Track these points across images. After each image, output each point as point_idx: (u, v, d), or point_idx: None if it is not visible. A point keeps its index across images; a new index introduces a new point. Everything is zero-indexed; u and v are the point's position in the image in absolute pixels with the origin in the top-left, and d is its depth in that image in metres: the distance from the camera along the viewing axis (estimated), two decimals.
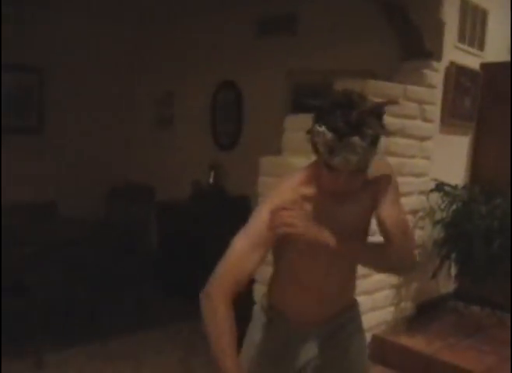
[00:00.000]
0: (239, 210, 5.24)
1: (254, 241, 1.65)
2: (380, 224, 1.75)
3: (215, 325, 1.59)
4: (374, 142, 1.56)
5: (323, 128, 1.55)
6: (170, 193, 5.65)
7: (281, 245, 1.74)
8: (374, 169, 1.70)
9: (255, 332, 1.95)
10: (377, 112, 1.57)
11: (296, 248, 1.74)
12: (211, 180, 5.57)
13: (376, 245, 1.79)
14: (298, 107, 4.82)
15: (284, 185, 1.76)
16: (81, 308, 4.46)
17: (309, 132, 1.64)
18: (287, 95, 5.07)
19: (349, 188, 1.65)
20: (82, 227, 5.13)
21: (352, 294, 1.99)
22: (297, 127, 3.12)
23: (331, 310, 1.90)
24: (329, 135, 1.53)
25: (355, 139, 1.51)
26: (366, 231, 1.85)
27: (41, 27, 5.60)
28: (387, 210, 1.73)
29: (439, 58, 3.72)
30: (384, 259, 1.76)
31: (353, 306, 2.00)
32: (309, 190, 1.71)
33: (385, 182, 1.75)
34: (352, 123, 1.51)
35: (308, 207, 1.70)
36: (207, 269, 4.93)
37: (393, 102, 1.65)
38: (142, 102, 6.47)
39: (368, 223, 1.84)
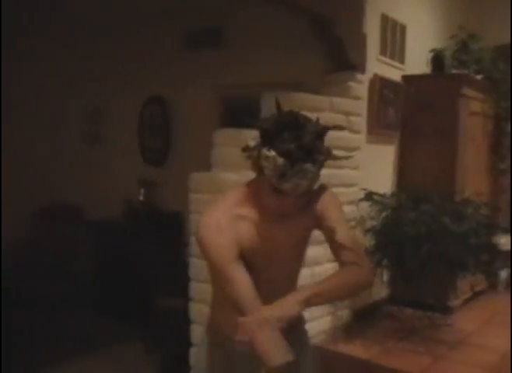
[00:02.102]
0: (171, 227, 5.24)
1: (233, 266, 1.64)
2: (336, 243, 1.73)
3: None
4: (322, 167, 1.58)
5: (273, 153, 1.50)
6: (100, 212, 5.55)
7: None
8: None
9: (204, 356, 1.93)
10: (322, 135, 1.57)
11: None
12: (141, 198, 5.50)
13: (336, 277, 1.73)
14: (226, 121, 4.86)
15: (219, 204, 1.71)
16: (16, 337, 4.28)
17: (245, 150, 1.61)
18: (215, 109, 5.10)
19: (294, 210, 1.66)
20: (8, 251, 4.96)
21: None
22: (227, 141, 3.14)
23: None
24: (280, 161, 1.49)
25: (308, 165, 1.50)
26: (302, 251, 1.86)
27: None
28: (341, 229, 1.74)
29: (363, 71, 3.84)
30: (348, 285, 1.73)
31: (298, 325, 1.94)
32: (245, 210, 1.68)
33: (329, 201, 1.79)
34: (305, 149, 1.49)
35: (244, 227, 1.67)
36: (143, 286, 4.85)
37: (339, 127, 1.67)
38: (68, 119, 6.32)
39: (306, 242, 1.85)
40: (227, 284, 1.62)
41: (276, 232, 1.70)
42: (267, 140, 1.53)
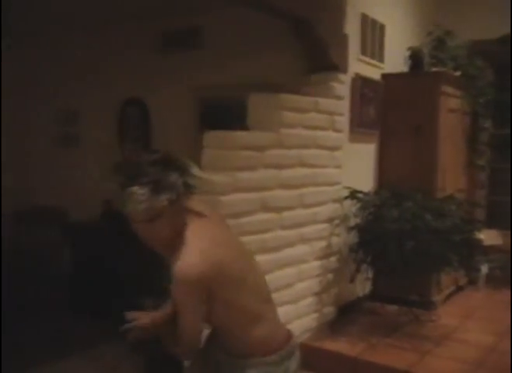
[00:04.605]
0: None
1: None
2: None
3: None
4: (158, 189, 1.64)
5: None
6: (81, 214, 5.48)
7: None
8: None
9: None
10: (165, 161, 1.68)
11: None
12: None
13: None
14: (206, 122, 4.85)
15: None
16: None
17: None
18: (194, 109, 5.08)
19: (151, 237, 1.72)
20: None
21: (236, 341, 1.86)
22: (216, 144, 3.13)
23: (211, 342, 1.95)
24: (118, 190, 1.67)
25: (134, 188, 1.63)
26: None
27: None
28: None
29: (345, 70, 3.87)
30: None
31: (281, 348, 1.87)
32: None
33: (174, 280, 1.70)
34: (129, 175, 1.65)
35: None
36: (121, 288, 4.84)
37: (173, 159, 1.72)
38: (46, 122, 6.23)
39: None
40: None
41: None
42: None
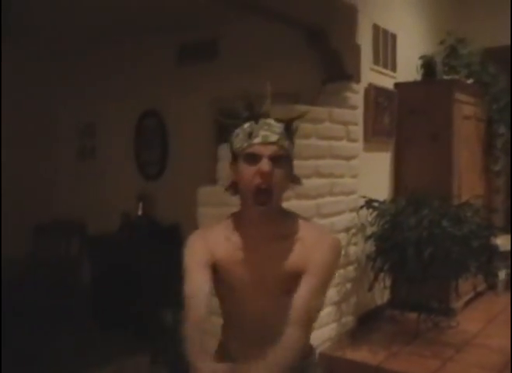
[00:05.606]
0: (170, 240, 5.24)
1: (199, 269, 1.69)
2: (297, 296, 1.61)
3: None
4: (289, 132, 1.68)
5: (241, 127, 1.67)
6: (99, 227, 5.55)
7: (216, 285, 1.73)
8: (317, 235, 1.71)
9: None
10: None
11: (227, 288, 1.74)
12: (139, 211, 5.52)
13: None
14: (223, 134, 4.89)
15: (205, 230, 1.85)
16: (16, 351, 4.27)
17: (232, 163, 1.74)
18: (211, 121, 5.13)
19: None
20: (7, 267, 4.97)
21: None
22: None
23: None
24: (246, 125, 1.66)
25: (270, 120, 1.66)
26: (289, 286, 1.64)
27: None
28: (306, 290, 1.61)
29: (358, 80, 3.91)
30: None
31: (306, 357, 1.77)
32: (231, 233, 1.74)
33: (322, 252, 1.66)
34: (264, 112, 1.68)
35: (226, 248, 1.72)
36: (142, 300, 4.85)
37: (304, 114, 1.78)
38: (63, 135, 6.33)
39: (295, 283, 1.63)
40: (186, 282, 1.68)
41: (259, 258, 1.69)
42: (234, 128, 1.71)
